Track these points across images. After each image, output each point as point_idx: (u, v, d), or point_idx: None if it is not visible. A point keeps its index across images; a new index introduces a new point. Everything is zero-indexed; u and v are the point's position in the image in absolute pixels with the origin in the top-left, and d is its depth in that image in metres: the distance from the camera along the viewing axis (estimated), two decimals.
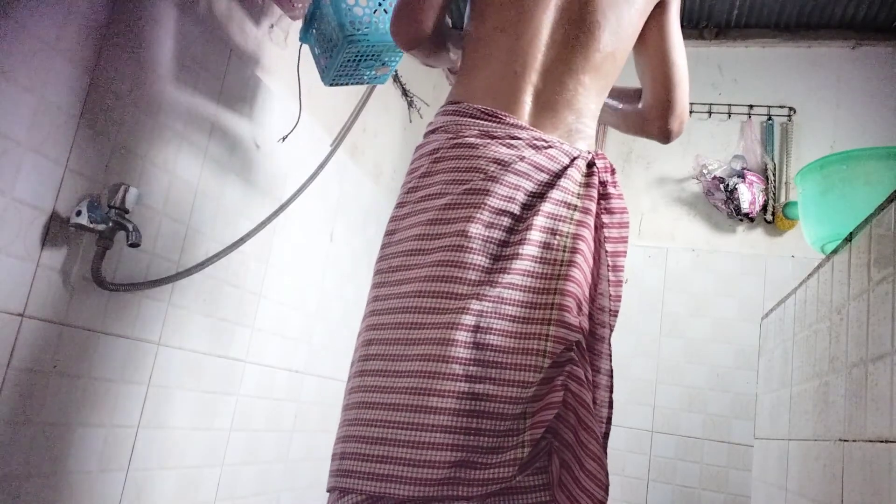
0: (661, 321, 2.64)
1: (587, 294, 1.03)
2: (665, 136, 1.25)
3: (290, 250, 1.90)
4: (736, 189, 2.59)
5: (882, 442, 0.99)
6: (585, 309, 1.03)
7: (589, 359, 1.02)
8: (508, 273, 0.98)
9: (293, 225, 1.90)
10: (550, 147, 1.07)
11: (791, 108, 2.73)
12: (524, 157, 1.05)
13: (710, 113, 2.82)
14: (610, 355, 1.07)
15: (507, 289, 0.98)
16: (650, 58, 1.23)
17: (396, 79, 2.51)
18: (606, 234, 1.09)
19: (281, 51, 1.76)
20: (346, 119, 2.15)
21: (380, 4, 1.41)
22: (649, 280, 2.69)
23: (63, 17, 1.10)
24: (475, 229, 1.00)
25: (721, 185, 2.62)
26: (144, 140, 1.31)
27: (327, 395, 2.19)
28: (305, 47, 1.62)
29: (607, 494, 0.93)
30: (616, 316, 1.08)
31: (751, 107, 2.77)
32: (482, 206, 1.01)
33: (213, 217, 1.54)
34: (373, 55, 1.47)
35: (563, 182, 1.06)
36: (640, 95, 1.28)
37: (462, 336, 0.94)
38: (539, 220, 1.02)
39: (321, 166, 1.96)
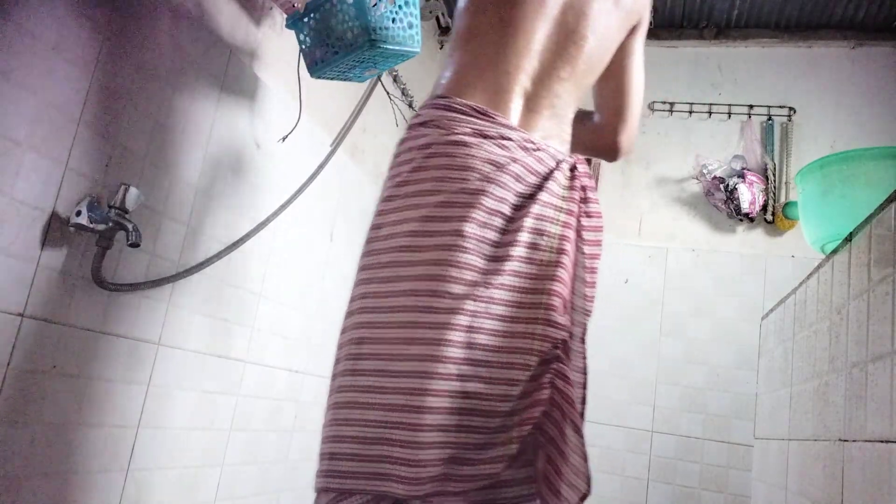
0: (661, 321, 2.64)
1: (570, 294, 1.06)
2: (614, 150, 1.30)
3: (290, 250, 1.90)
4: (736, 189, 2.58)
5: (882, 442, 0.99)
6: (569, 308, 1.06)
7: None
8: (500, 274, 1.00)
9: (293, 225, 1.90)
10: (539, 150, 1.09)
11: (791, 108, 2.73)
12: (516, 158, 1.06)
13: (710, 113, 2.82)
14: (584, 353, 1.09)
15: (497, 289, 0.99)
16: (614, 75, 1.28)
17: (396, 79, 2.51)
18: (585, 237, 1.11)
19: (281, 51, 1.76)
20: (346, 119, 2.15)
21: (396, 13, 1.44)
22: (649, 280, 2.69)
23: (63, 17, 1.10)
24: (471, 229, 1.00)
25: (721, 185, 2.62)
26: (144, 140, 1.31)
27: (327, 395, 2.18)
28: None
29: (590, 487, 0.94)
30: (589, 315, 1.09)
31: (751, 107, 2.77)
32: (478, 206, 1.01)
33: (213, 217, 1.54)
34: (375, 60, 1.49)
35: (550, 184, 1.07)
36: (587, 116, 1.32)
37: (456, 336, 0.96)
38: (528, 222, 1.03)
39: (321, 166, 1.96)
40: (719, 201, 2.65)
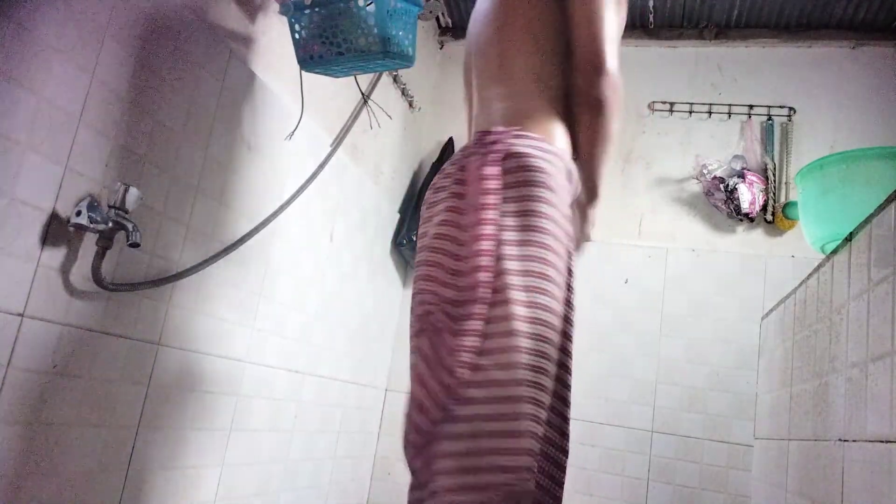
0: (661, 321, 2.64)
1: (451, 265, 1.10)
2: (588, 103, 1.21)
3: (290, 250, 1.90)
4: (736, 189, 2.58)
5: (882, 442, 0.99)
6: (445, 279, 1.10)
7: (483, 329, 1.04)
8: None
9: (293, 225, 1.90)
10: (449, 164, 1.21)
11: (791, 108, 2.73)
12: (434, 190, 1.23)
13: (710, 113, 2.82)
14: (471, 329, 1.04)
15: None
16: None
17: (396, 79, 2.51)
18: (508, 195, 1.09)
19: (281, 50, 1.76)
20: (346, 119, 2.15)
21: (404, 27, 1.50)
22: (649, 280, 2.69)
23: (63, 17, 1.10)
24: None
25: (721, 185, 2.62)
26: (144, 140, 1.31)
27: (327, 395, 2.18)
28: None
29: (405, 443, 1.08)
30: (461, 290, 1.06)
31: (751, 107, 2.77)
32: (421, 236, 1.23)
33: (213, 217, 1.54)
34: (371, 67, 1.56)
35: (436, 181, 1.20)
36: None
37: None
38: (423, 229, 1.19)
39: (321, 166, 1.96)
40: (719, 201, 2.65)
